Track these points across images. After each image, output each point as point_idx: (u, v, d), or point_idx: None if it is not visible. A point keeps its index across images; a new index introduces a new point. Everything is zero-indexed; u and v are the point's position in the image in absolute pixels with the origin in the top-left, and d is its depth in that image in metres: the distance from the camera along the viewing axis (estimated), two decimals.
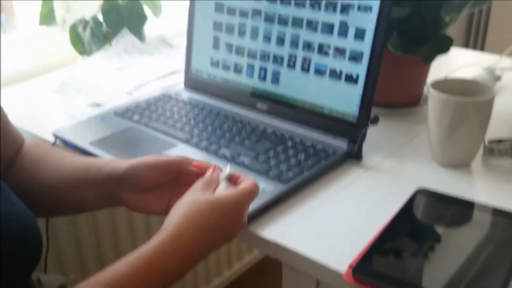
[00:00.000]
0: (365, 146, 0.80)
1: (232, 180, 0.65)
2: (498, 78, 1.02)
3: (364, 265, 0.57)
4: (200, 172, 0.65)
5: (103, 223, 1.18)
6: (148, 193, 0.66)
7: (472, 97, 0.73)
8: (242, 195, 0.60)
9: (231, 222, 0.59)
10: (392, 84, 0.91)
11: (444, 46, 0.83)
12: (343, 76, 0.82)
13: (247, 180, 0.62)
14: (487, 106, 0.73)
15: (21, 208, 0.59)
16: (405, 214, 0.66)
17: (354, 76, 0.81)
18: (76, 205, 0.71)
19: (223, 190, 0.62)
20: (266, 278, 1.46)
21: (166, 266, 0.54)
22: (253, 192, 0.61)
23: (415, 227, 0.65)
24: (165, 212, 0.62)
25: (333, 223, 0.66)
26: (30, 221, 0.58)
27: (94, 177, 0.67)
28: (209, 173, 0.64)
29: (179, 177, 0.66)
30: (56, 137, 0.87)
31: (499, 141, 0.79)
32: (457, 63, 1.11)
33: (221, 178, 0.64)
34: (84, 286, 0.51)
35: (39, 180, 0.69)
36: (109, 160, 0.70)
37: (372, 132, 0.84)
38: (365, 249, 0.60)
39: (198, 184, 0.61)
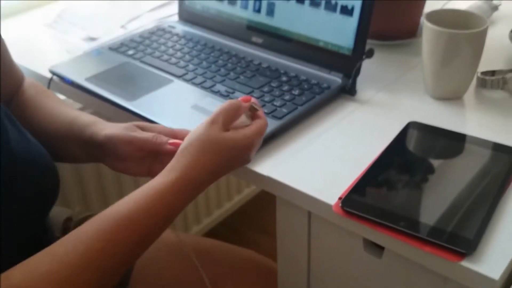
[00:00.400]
0: (360, 80, 0.81)
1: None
2: (495, 8, 1.01)
3: (352, 197, 0.59)
4: (176, 149, 0.62)
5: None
6: (128, 160, 0.66)
7: (464, 29, 0.73)
8: (256, 135, 0.62)
9: (239, 159, 0.63)
10: (388, 16, 0.90)
11: None
12: (338, 8, 0.82)
13: (262, 119, 0.64)
14: (479, 38, 0.73)
15: (36, 143, 0.61)
16: (396, 147, 0.68)
17: (349, 7, 0.80)
18: (65, 157, 0.72)
19: (241, 122, 0.63)
20: (265, 210, 1.50)
21: (176, 201, 0.56)
22: (263, 132, 0.64)
23: (406, 159, 0.67)
24: (148, 174, 0.65)
25: (326, 157, 0.68)
26: (47, 156, 0.61)
27: (77, 137, 0.68)
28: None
29: (156, 152, 0.66)
30: (53, 73, 0.88)
31: (492, 73, 0.79)
32: None
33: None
34: (98, 219, 0.53)
35: (33, 124, 0.70)
36: (91, 121, 0.69)
37: (367, 66, 0.84)
38: (355, 182, 0.62)
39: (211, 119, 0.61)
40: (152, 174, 0.64)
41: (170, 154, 0.61)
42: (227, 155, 0.60)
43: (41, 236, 0.65)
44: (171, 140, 0.64)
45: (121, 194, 1.25)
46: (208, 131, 0.60)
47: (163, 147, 0.64)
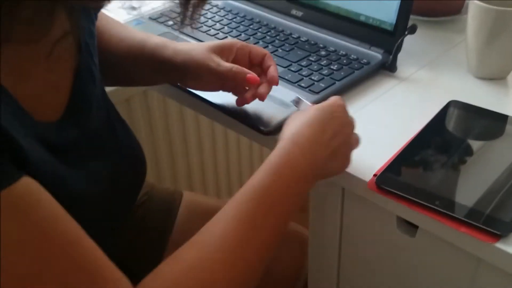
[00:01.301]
0: (401, 57, 0.80)
1: None
2: None
3: (388, 175, 0.59)
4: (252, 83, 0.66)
5: (138, 113, 1.23)
6: (204, 81, 0.69)
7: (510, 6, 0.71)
8: (334, 98, 0.61)
9: (339, 118, 0.59)
10: None
11: None
12: None
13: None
14: None
15: (134, 137, 0.67)
16: (436, 126, 0.67)
17: None
18: (133, 79, 0.77)
19: None
20: None
21: (296, 170, 0.54)
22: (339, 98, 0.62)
23: (445, 139, 0.66)
24: (220, 89, 0.70)
25: (363, 133, 0.67)
26: (141, 150, 0.67)
27: (150, 59, 0.70)
28: None
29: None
30: None
31: None
32: None
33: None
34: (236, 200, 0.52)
35: (102, 46, 0.70)
36: (163, 43, 0.70)
37: (409, 42, 0.83)
38: (391, 159, 0.62)
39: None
40: (225, 90, 0.69)
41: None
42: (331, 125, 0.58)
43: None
44: (249, 74, 0.65)
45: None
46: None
47: (241, 80, 0.65)
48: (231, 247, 0.48)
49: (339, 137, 0.58)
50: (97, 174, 0.56)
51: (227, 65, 0.66)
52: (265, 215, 0.51)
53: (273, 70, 0.68)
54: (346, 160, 0.60)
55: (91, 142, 0.57)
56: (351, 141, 0.60)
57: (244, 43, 0.70)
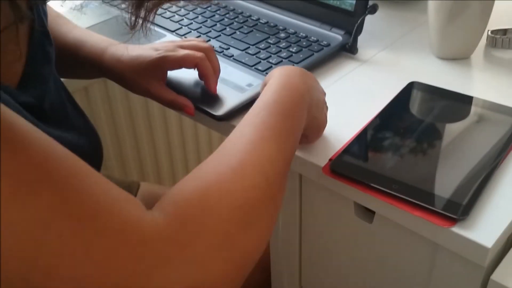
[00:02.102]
0: (363, 38, 0.78)
1: None
2: None
3: (343, 159, 0.57)
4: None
5: (98, 101, 1.19)
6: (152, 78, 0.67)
7: None
8: None
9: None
10: None
11: None
12: None
13: None
14: None
15: (88, 121, 0.64)
16: (395, 108, 0.65)
17: None
18: (79, 74, 0.77)
19: None
20: None
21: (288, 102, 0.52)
22: None
23: (404, 121, 0.64)
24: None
25: None
26: (97, 135, 0.65)
27: (85, 60, 0.69)
28: None
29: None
30: None
31: (504, 32, 0.76)
32: None
33: None
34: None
35: None
36: (107, 44, 0.69)
37: (371, 23, 0.81)
38: (347, 143, 0.60)
39: None
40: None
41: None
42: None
43: None
44: (186, 107, 0.66)
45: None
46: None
47: (203, 62, 0.65)
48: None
49: (319, 88, 0.58)
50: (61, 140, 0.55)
51: (162, 95, 0.67)
52: (279, 121, 0.49)
53: (208, 83, 0.67)
54: (325, 119, 0.60)
55: (48, 115, 0.55)
56: (326, 108, 0.61)
57: (172, 56, 0.66)
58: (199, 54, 0.66)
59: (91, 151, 0.63)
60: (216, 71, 0.68)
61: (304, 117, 0.53)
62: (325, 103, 0.60)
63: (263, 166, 0.45)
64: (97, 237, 0.36)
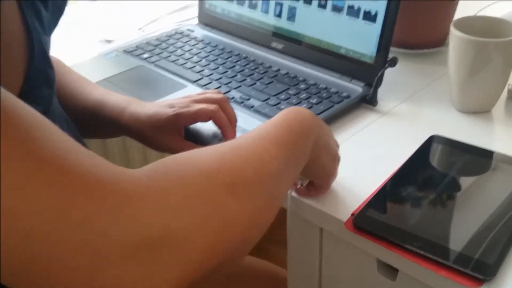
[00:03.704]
0: (382, 90, 0.79)
1: None
2: None
3: (366, 214, 0.57)
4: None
5: (115, 151, 1.20)
6: (170, 134, 0.68)
7: (495, 37, 0.70)
8: None
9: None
10: (414, 23, 0.88)
11: None
12: (361, 13, 0.80)
13: None
14: (511, 47, 0.70)
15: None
16: (417, 161, 0.66)
17: (373, 13, 0.79)
18: (99, 135, 0.79)
19: None
20: (283, 222, 1.49)
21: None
22: None
23: (427, 175, 0.65)
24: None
25: (341, 170, 0.66)
26: None
27: (107, 119, 0.70)
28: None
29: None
30: None
31: None
32: None
33: None
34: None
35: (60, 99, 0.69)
36: (125, 102, 0.71)
37: (391, 75, 0.82)
38: (370, 197, 0.60)
39: None
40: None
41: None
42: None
43: None
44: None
45: None
46: None
47: (216, 114, 0.67)
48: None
49: (331, 136, 0.59)
50: None
51: (180, 146, 0.67)
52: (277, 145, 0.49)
53: (225, 133, 0.69)
54: (335, 164, 0.60)
55: None
56: (338, 159, 0.61)
57: (186, 112, 0.67)
58: (212, 107, 0.67)
59: None
60: (232, 120, 0.69)
61: (308, 149, 0.53)
62: (337, 154, 0.61)
63: (260, 155, 0.46)
64: (60, 175, 0.34)
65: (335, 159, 0.60)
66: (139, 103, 0.71)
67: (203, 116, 0.68)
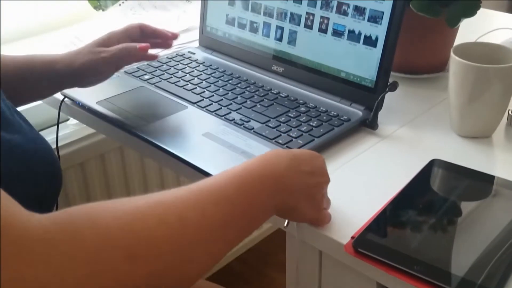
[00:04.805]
0: (382, 114, 0.80)
1: None
2: None
3: (366, 237, 0.58)
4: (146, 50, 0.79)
5: (113, 169, 1.20)
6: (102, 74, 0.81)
7: (494, 63, 0.71)
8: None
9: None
10: (415, 48, 0.90)
11: (470, 8, 0.81)
12: (362, 38, 0.81)
13: None
14: (510, 73, 0.72)
15: (42, 139, 0.65)
16: (417, 185, 0.66)
17: (373, 38, 0.80)
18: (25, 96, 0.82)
19: None
20: (283, 247, 1.49)
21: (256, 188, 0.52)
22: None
23: (427, 199, 0.65)
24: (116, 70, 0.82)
25: (341, 193, 0.67)
26: (54, 154, 0.65)
27: (43, 73, 0.78)
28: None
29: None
30: (65, 96, 0.89)
31: None
32: (490, 26, 1.07)
33: None
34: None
35: None
36: (55, 58, 0.79)
37: (392, 100, 0.83)
38: (370, 221, 0.60)
39: None
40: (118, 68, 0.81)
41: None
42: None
43: None
44: (138, 45, 0.78)
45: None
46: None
47: (136, 54, 0.79)
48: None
49: (316, 178, 0.57)
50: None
51: (113, 48, 0.78)
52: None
53: (161, 32, 0.87)
54: (319, 211, 0.59)
55: None
56: (326, 195, 0.60)
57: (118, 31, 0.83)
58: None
59: (42, 156, 0.63)
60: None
61: (272, 202, 0.53)
62: (323, 189, 0.59)
63: (180, 215, 0.45)
64: None
65: (319, 208, 0.59)
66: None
67: (133, 27, 0.85)
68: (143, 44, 0.78)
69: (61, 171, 0.66)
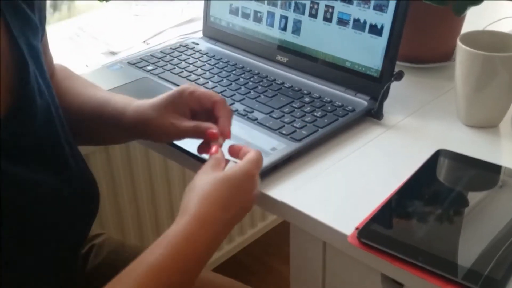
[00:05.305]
0: (388, 104, 0.79)
1: (233, 151, 0.65)
2: None
3: (371, 228, 0.57)
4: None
5: (118, 162, 1.21)
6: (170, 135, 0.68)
7: (502, 52, 0.71)
8: (250, 164, 0.60)
9: (245, 193, 0.60)
10: (421, 37, 0.89)
11: None
12: (367, 27, 0.81)
13: (251, 151, 0.63)
14: None
15: (87, 167, 0.67)
16: (423, 176, 0.66)
17: (379, 26, 0.79)
18: (98, 138, 0.77)
19: (231, 166, 0.62)
20: (288, 238, 1.49)
21: (196, 249, 0.55)
22: (258, 160, 0.62)
23: (432, 190, 0.65)
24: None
25: (346, 184, 0.67)
26: (94, 182, 0.67)
27: (113, 117, 0.70)
28: (213, 150, 0.63)
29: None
30: None
31: None
32: (498, 15, 1.06)
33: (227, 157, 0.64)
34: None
35: (66, 105, 0.70)
36: (127, 101, 0.71)
37: (397, 89, 0.83)
38: (374, 211, 0.60)
39: (207, 165, 0.61)
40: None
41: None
42: (232, 187, 0.59)
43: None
44: (210, 130, 0.64)
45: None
46: (206, 175, 0.60)
47: (202, 135, 0.65)
48: None
49: (241, 206, 0.60)
50: (38, 184, 0.57)
51: (187, 125, 0.66)
52: None
53: (223, 123, 0.66)
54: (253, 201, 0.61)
55: (34, 149, 0.58)
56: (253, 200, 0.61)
57: (192, 88, 0.68)
58: (218, 96, 0.67)
59: (78, 198, 0.63)
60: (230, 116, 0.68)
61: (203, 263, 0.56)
62: (250, 203, 0.61)
63: None
64: None
65: (253, 200, 0.61)
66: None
67: (208, 96, 0.67)
68: (213, 132, 0.64)
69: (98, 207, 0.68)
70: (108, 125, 0.71)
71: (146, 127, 0.67)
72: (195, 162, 0.71)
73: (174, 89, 0.67)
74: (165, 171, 1.28)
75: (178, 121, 0.66)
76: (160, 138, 0.69)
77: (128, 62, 0.95)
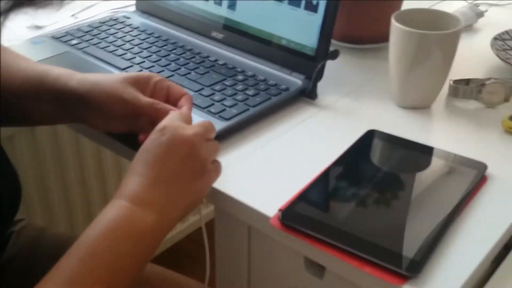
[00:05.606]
0: (324, 84, 0.78)
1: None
2: (481, 15, 0.98)
3: (294, 209, 0.56)
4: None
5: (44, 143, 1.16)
6: (112, 117, 0.62)
7: (436, 30, 0.70)
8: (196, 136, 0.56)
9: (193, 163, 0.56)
10: (359, 17, 0.88)
11: None
12: (303, 3, 0.79)
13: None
14: (451, 40, 0.70)
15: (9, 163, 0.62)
16: (351, 156, 0.65)
17: (314, 2, 0.78)
18: (31, 117, 0.69)
19: None
20: None
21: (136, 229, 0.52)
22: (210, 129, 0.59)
23: (360, 170, 0.64)
24: (129, 130, 0.63)
25: (275, 164, 0.65)
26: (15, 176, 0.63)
27: (48, 90, 0.64)
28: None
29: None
30: None
31: (467, 82, 0.77)
32: None
33: None
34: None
35: None
36: (66, 72, 0.65)
37: (333, 70, 0.81)
38: (299, 193, 0.58)
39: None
40: (135, 129, 0.62)
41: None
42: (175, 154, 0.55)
43: None
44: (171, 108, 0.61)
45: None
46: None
47: (161, 115, 0.59)
48: None
49: (190, 161, 0.55)
50: None
51: (147, 99, 0.61)
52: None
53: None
54: (207, 173, 0.57)
55: None
56: (207, 158, 0.57)
57: (162, 77, 0.65)
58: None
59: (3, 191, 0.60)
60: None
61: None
62: (200, 156, 0.56)
63: None
64: None
65: (206, 172, 0.57)
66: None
67: (179, 88, 0.64)
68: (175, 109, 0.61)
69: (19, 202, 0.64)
70: (45, 100, 0.65)
71: (92, 97, 0.61)
72: (118, 144, 0.68)
73: (139, 72, 0.65)
74: (97, 151, 1.24)
75: (137, 94, 0.61)
76: (104, 114, 0.62)
77: (52, 36, 0.91)
